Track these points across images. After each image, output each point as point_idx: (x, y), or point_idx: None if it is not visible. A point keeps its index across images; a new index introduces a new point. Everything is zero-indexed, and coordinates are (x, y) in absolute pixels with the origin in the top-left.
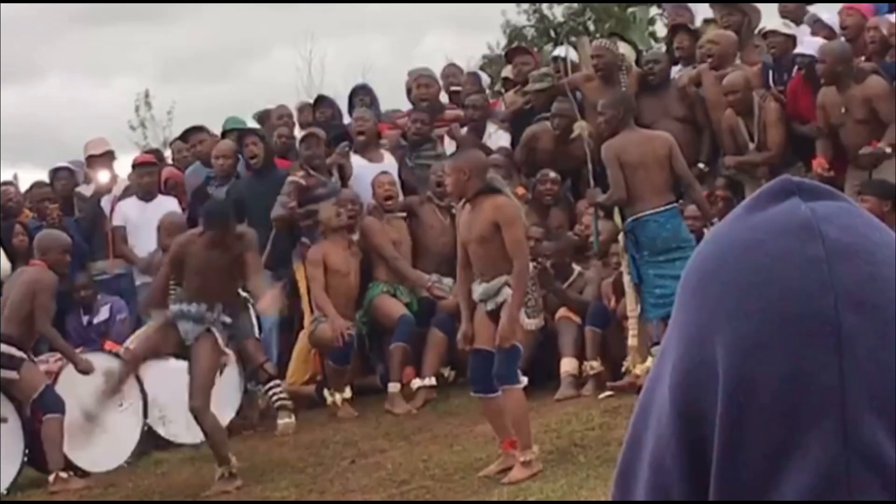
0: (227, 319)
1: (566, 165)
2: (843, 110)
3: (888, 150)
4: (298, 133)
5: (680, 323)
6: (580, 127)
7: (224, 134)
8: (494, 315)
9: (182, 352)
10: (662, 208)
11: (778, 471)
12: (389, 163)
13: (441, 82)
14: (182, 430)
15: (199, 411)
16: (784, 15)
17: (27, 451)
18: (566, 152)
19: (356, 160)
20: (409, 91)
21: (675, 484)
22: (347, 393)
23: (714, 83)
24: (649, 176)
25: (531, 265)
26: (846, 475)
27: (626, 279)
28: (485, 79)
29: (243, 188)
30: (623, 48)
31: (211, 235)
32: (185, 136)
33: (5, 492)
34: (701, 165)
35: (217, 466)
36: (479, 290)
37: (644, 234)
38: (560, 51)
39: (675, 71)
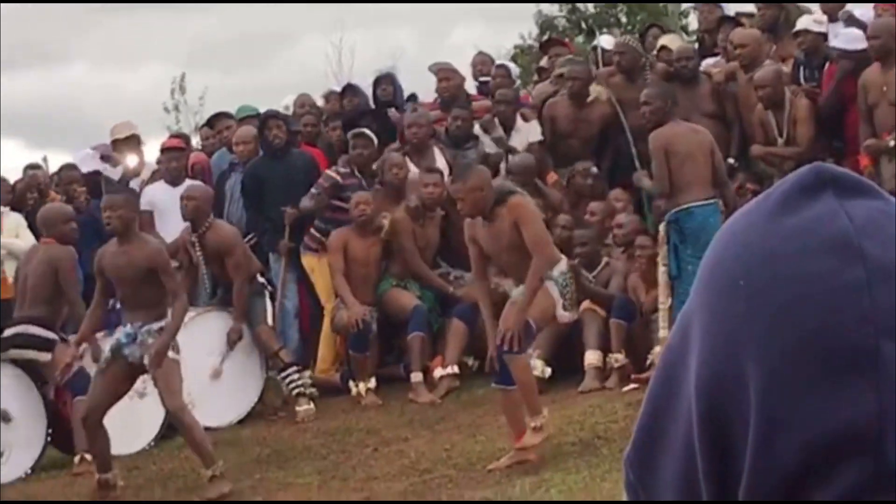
0: (157, 326)
1: (586, 132)
2: (883, 89)
3: (892, 143)
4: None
5: (705, 320)
6: (597, 91)
7: (242, 121)
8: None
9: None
10: (704, 202)
11: (806, 493)
12: (441, 164)
13: (470, 71)
14: (206, 414)
15: (177, 411)
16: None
17: (50, 431)
18: (584, 117)
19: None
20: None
21: (703, 490)
22: (372, 383)
23: (747, 83)
24: (696, 168)
25: (565, 260)
26: (873, 496)
27: (662, 270)
28: (514, 70)
29: (261, 170)
30: (667, 39)
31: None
32: (211, 122)
33: (29, 472)
34: (731, 160)
35: (204, 469)
36: (515, 291)
37: (690, 225)
38: (601, 41)
39: (709, 64)
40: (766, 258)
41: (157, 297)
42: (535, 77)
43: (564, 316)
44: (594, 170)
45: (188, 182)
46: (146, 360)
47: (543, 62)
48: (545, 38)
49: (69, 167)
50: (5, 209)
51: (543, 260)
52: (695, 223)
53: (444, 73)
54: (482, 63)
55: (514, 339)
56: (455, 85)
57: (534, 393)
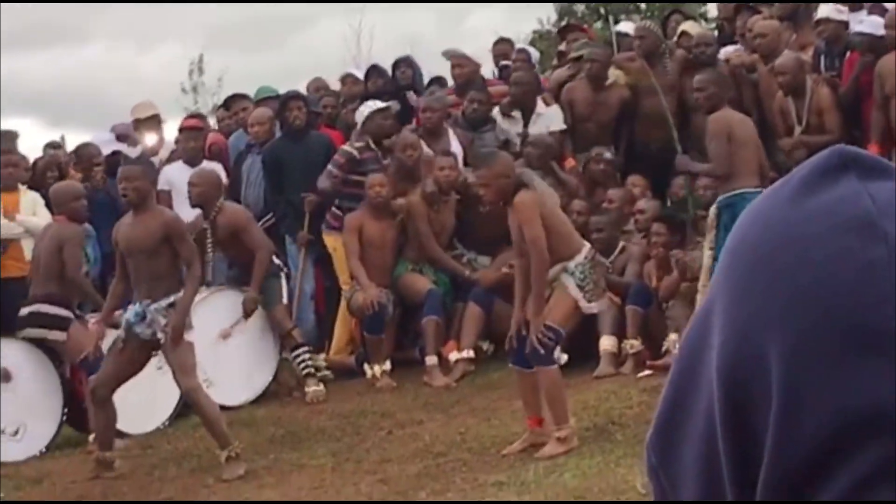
0: (165, 302)
1: (604, 115)
2: None
3: None
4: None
5: (725, 305)
6: (615, 74)
7: (259, 102)
8: (548, 298)
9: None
10: (755, 189)
11: (827, 473)
12: (456, 147)
13: (490, 56)
14: (222, 393)
15: (191, 391)
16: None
17: (66, 409)
18: (603, 100)
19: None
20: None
21: (724, 472)
22: (387, 365)
23: (767, 73)
24: (749, 155)
25: (587, 247)
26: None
27: (707, 254)
28: (534, 54)
29: (280, 151)
30: (688, 25)
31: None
32: (228, 103)
33: (44, 450)
34: None
35: (219, 450)
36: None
37: (742, 211)
38: (622, 26)
39: (728, 51)
40: (788, 239)
41: (167, 271)
42: (555, 62)
43: (591, 307)
44: (608, 155)
45: (206, 163)
46: (159, 337)
47: (563, 47)
48: (564, 23)
49: (87, 145)
50: (23, 187)
51: (538, 263)
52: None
53: (457, 60)
54: (503, 50)
55: (538, 344)
56: (469, 71)
57: (562, 404)
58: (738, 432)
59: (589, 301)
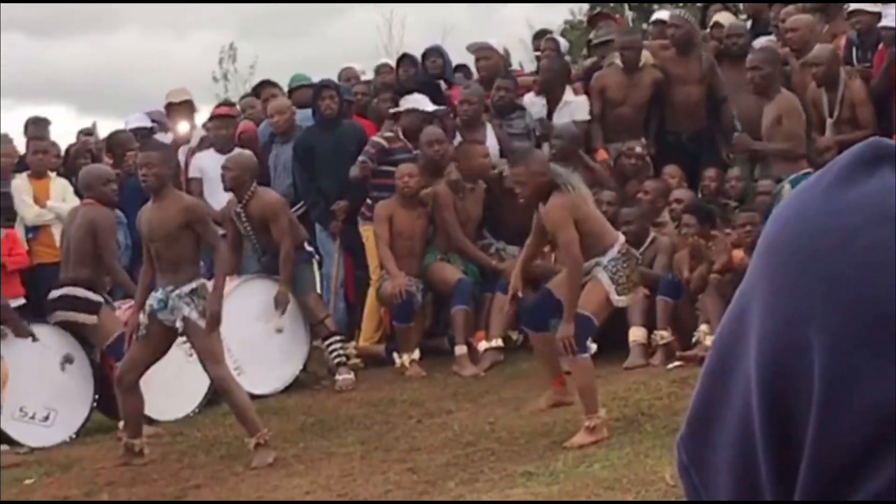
0: (188, 288)
1: (637, 98)
2: None
3: None
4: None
5: (764, 297)
6: (645, 56)
7: (292, 90)
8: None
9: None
10: (812, 170)
11: (868, 468)
12: (491, 143)
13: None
14: (252, 381)
15: (220, 379)
16: None
17: (97, 396)
18: (636, 83)
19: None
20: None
21: (762, 464)
22: (416, 354)
23: (800, 67)
24: (808, 138)
25: (621, 241)
26: None
27: None
28: (563, 44)
29: (312, 139)
30: (722, 16)
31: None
32: (257, 90)
33: (74, 436)
34: None
35: (248, 438)
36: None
37: None
38: (659, 14)
39: (761, 42)
40: (826, 231)
41: (189, 257)
42: (585, 52)
43: (621, 301)
44: (639, 149)
45: (237, 151)
46: (178, 326)
47: (592, 36)
48: (594, 12)
49: (120, 132)
50: (52, 174)
51: (570, 269)
52: None
53: (482, 53)
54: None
55: (569, 345)
56: (493, 64)
57: (593, 394)
58: (778, 427)
59: (620, 294)
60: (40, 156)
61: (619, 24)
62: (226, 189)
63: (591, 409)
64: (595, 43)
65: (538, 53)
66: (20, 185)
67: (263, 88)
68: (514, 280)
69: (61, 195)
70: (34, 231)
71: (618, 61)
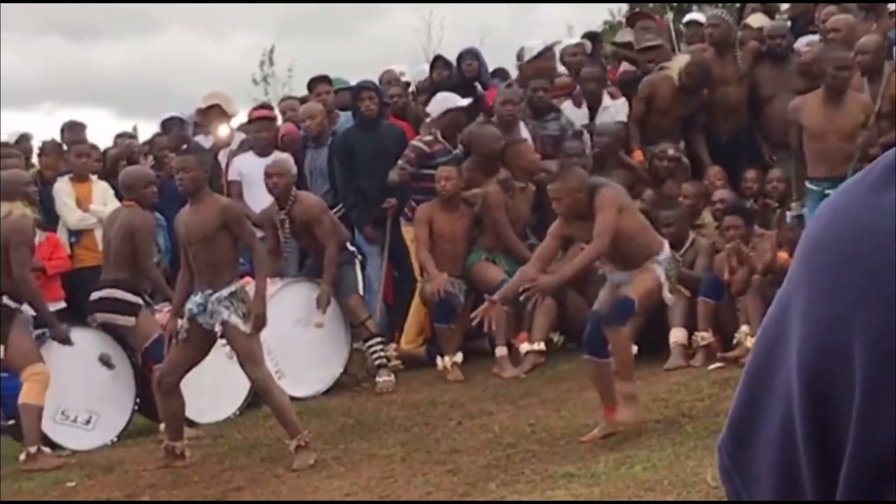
0: (226, 292)
1: (681, 112)
2: None
3: None
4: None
5: (805, 298)
6: (674, 67)
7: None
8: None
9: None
10: None
11: None
12: (526, 137)
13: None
14: (293, 383)
15: (260, 381)
16: None
17: (138, 398)
18: (684, 102)
19: None
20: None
21: (804, 465)
22: (459, 357)
23: None
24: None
25: (667, 245)
26: None
27: None
28: (587, 46)
29: (352, 140)
30: (754, 19)
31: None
32: (310, 86)
33: (116, 438)
34: None
35: (288, 440)
36: (615, 277)
37: None
38: (693, 15)
39: (803, 42)
40: (868, 231)
41: (227, 259)
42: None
43: (669, 298)
44: (671, 152)
45: (276, 153)
46: (216, 330)
47: (626, 35)
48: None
49: (160, 135)
50: (94, 177)
51: (602, 243)
52: None
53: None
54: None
55: (537, 289)
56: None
57: (629, 361)
58: (819, 428)
59: (670, 292)
60: (84, 159)
61: (658, 24)
62: (274, 196)
63: (626, 376)
64: (643, 48)
65: (571, 58)
66: (62, 188)
67: (317, 84)
68: (513, 285)
69: (102, 198)
70: (76, 235)
71: (674, 74)
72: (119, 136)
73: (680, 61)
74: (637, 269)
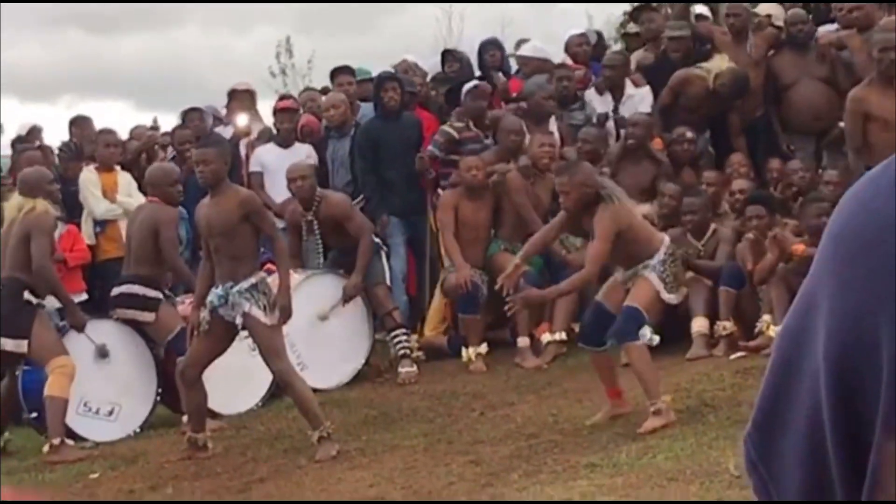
0: (247, 284)
1: (710, 111)
2: None
3: None
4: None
5: (831, 290)
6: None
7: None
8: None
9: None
10: None
11: None
12: (553, 130)
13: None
14: (316, 375)
15: (282, 374)
16: None
17: (160, 390)
18: (717, 104)
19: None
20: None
21: (832, 457)
22: (483, 348)
23: (861, 47)
24: None
25: (666, 242)
26: None
27: None
28: (592, 37)
29: (374, 131)
30: (765, 7)
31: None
32: (333, 75)
33: (138, 430)
34: (842, 124)
35: (311, 431)
36: (619, 274)
37: None
38: (699, 8)
39: (823, 31)
40: (893, 223)
41: (248, 251)
42: (621, 44)
43: (671, 299)
44: (689, 135)
45: (298, 145)
46: (237, 322)
47: (634, 28)
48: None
49: (180, 127)
50: (117, 167)
51: (586, 274)
52: None
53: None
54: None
55: (527, 300)
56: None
57: (653, 378)
58: (848, 419)
59: (669, 292)
60: (112, 149)
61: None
62: (300, 198)
63: (652, 394)
64: (669, 36)
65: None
66: (89, 178)
67: (339, 75)
68: (521, 257)
69: (127, 189)
70: (101, 225)
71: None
72: (135, 128)
73: (719, 63)
74: (633, 266)
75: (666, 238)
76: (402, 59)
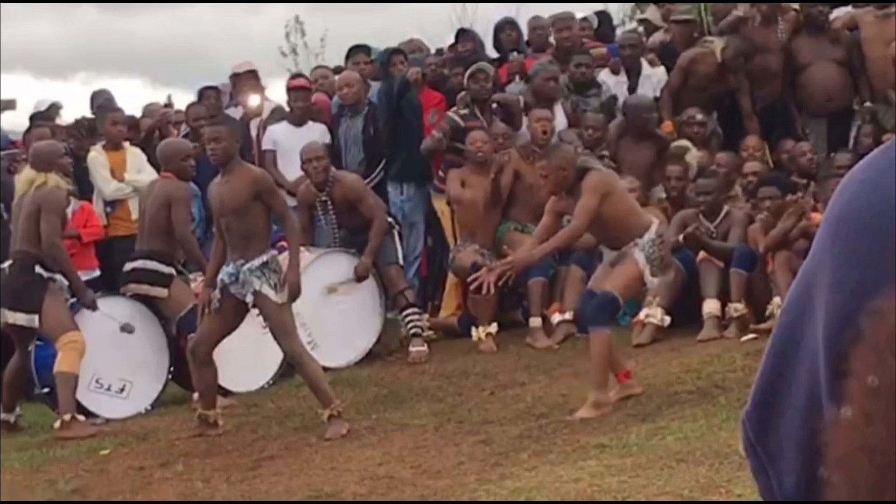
0: (258, 262)
1: (720, 87)
2: None
3: None
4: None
5: (832, 269)
6: (714, 45)
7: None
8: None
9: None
10: None
11: None
12: (560, 117)
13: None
14: (326, 354)
15: (293, 353)
16: None
17: (172, 368)
18: (726, 76)
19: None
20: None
21: None
22: (493, 328)
23: (874, 22)
24: None
25: (657, 223)
26: None
27: None
28: (594, 21)
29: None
30: None
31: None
32: (349, 54)
33: (149, 407)
34: (857, 107)
35: (321, 409)
36: (607, 256)
37: None
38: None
39: (839, 13)
40: (894, 205)
41: (259, 230)
42: (635, 26)
43: (653, 281)
44: (700, 117)
45: (311, 123)
46: (248, 301)
47: (648, 13)
48: None
49: (195, 105)
50: (126, 143)
51: (574, 229)
52: None
53: (561, 24)
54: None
55: (508, 269)
56: (574, 35)
57: (604, 369)
58: None
59: (653, 275)
60: (119, 127)
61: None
62: (310, 178)
63: (600, 384)
64: (677, 20)
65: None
66: (97, 158)
67: (355, 54)
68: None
69: (137, 166)
70: (112, 204)
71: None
72: (148, 106)
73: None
74: (622, 247)
75: (656, 219)
76: (410, 38)
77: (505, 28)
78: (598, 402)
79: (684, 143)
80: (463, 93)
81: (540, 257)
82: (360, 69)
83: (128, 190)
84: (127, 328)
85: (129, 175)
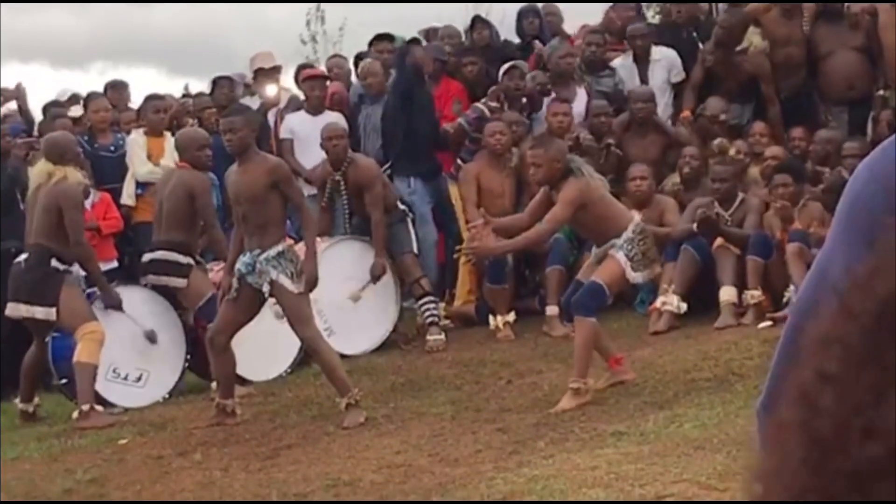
0: (274, 251)
1: (734, 81)
2: None
3: None
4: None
5: (845, 255)
6: (752, 40)
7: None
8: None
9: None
10: None
11: None
12: (579, 104)
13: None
14: (343, 342)
15: (310, 341)
16: None
17: (189, 356)
18: (737, 63)
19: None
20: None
21: None
22: (511, 316)
23: (890, 8)
24: None
25: (635, 221)
26: None
27: None
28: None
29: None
30: None
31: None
32: (373, 42)
33: (167, 396)
34: (880, 93)
35: (339, 398)
36: (593, 251)
37: None
38: None
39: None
40: None
41: (275, 219)
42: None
43: (637, 277)
44: (723, 117)
45: (328, 112)
46: (264, 290)
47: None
48: None
49: (201, 95)
50: (167, 133)
51: (538, 234)
52: None
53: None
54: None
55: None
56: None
57: (586, 359)
58: None
59: (635, 271)
60: (161, 115)
61: None
62: (328, 156)
63: (581, 372)
64: None
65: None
66: (136, 141)
67: (379, 42)
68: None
69: (173, 156)
70: (143, 188)
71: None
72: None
73: (751, 40)
74: (604, 244)
75: (636, 217)
76: (430, 26)
77: (527, 15)
78: (578, 390)
79: (723, 141)
80: (494, 87)
81: (502, 252)
82: (384, 58)
83: (160, 174)
84: (151, 336)
85: (164, 161)
